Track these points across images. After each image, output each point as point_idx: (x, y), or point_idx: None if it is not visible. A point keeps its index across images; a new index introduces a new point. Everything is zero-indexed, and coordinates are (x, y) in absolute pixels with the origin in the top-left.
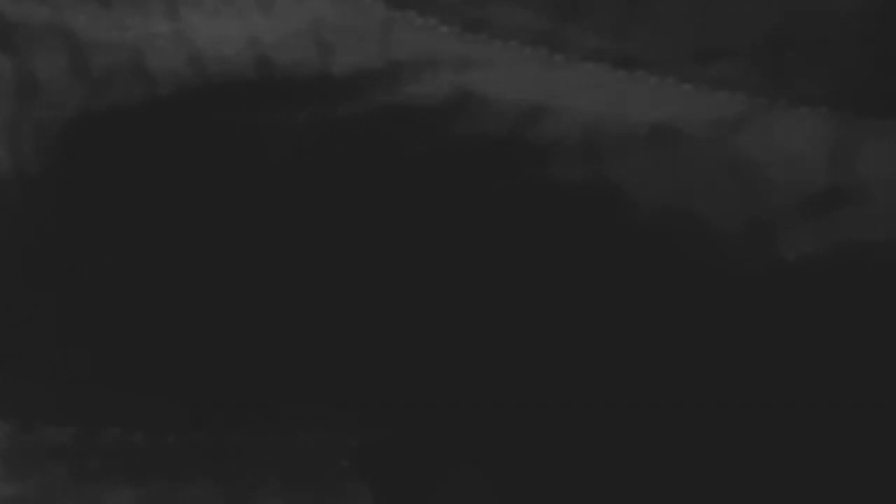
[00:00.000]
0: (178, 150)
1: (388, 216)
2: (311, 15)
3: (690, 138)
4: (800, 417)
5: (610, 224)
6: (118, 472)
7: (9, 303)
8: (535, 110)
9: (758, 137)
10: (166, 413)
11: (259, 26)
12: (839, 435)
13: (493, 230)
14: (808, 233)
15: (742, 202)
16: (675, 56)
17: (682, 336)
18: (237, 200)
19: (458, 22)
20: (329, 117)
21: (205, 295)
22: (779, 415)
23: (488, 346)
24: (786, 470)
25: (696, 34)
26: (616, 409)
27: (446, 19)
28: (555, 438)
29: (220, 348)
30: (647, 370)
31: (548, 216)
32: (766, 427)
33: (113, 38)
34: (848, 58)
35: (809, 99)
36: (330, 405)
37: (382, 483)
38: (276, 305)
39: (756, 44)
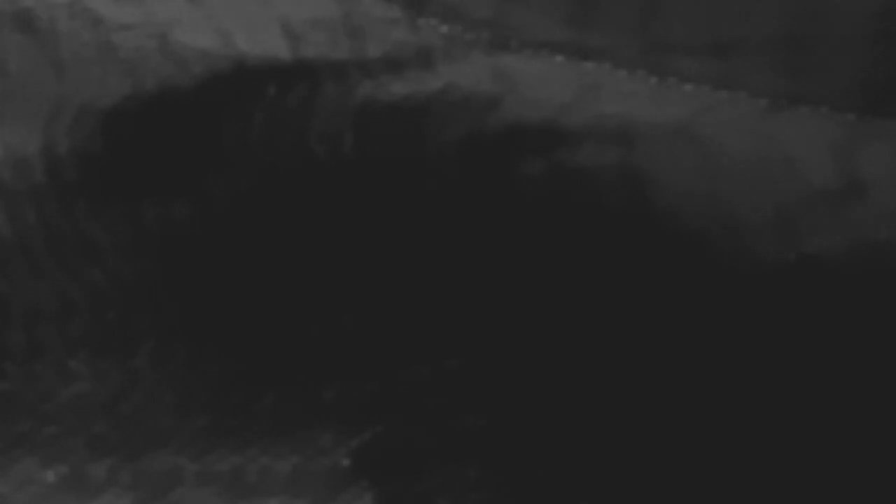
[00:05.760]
0: (209, 131)
1: (418, 198)
2: (340, 2)
3: (714, 131)
4: (808, 416)
5: (637, 210)
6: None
7: (25, 286)
8: (576, 96)
9: (771, 132)
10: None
11: (288, 10)
12: (847, 434)
13: (523, 214)
14: (822, 230)
15: (769, 194)
16: (695, 52)
17: (700, 328)
18: (267, 182)
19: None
20: (364, 102)
21: (226, 283)
22: (787, 413)
23: (505, 333)
24: (792, 469)
25: (711, 30)
26: (619, 405)
27: (472, 26)
28: (556, 438)
29: (226, 344)
30: (660, 363)
31: (577, 201)
32: (774, 426)
33: (137, 19)
34: (860, 58)
35: (812, 98)
36: (330, 404)
37: (382, 483)
38: (291, 293)
39: (769, 41)
